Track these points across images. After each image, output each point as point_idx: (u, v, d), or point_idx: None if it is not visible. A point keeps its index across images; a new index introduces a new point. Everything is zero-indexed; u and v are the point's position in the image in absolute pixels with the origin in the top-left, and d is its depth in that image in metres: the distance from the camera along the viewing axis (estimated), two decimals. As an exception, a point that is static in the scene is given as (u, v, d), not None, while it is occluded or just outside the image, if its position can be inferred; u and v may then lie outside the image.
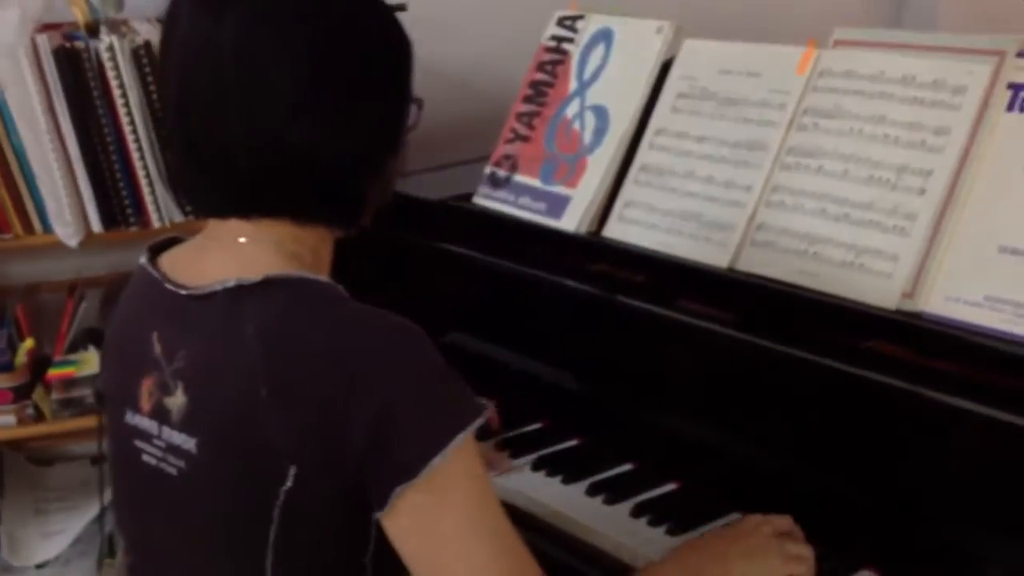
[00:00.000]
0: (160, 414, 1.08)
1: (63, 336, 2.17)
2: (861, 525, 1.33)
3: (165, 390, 1.07)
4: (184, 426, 1.05)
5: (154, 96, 2.04)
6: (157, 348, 1.09)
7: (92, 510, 2.26)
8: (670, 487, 1.47)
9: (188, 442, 1.05)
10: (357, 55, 1.08)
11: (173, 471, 1.07)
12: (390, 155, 1.14)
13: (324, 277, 1.08)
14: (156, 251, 1.17)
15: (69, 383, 2.10)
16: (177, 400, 1.06)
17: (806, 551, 1.23)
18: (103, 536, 2.24)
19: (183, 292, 1.08)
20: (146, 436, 1.09)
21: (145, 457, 1.10)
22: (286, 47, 1.04)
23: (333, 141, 1.06)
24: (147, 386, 1.09)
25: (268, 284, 1.04)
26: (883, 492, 1.30)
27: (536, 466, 1.56)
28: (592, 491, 1.49)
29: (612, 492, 1.48)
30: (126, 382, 1.12)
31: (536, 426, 1.67)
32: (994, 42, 1.34)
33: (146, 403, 1.09)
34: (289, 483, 1.00)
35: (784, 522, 1.25)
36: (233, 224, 1.09)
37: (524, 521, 1.42)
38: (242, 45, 1.03)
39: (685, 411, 1.52)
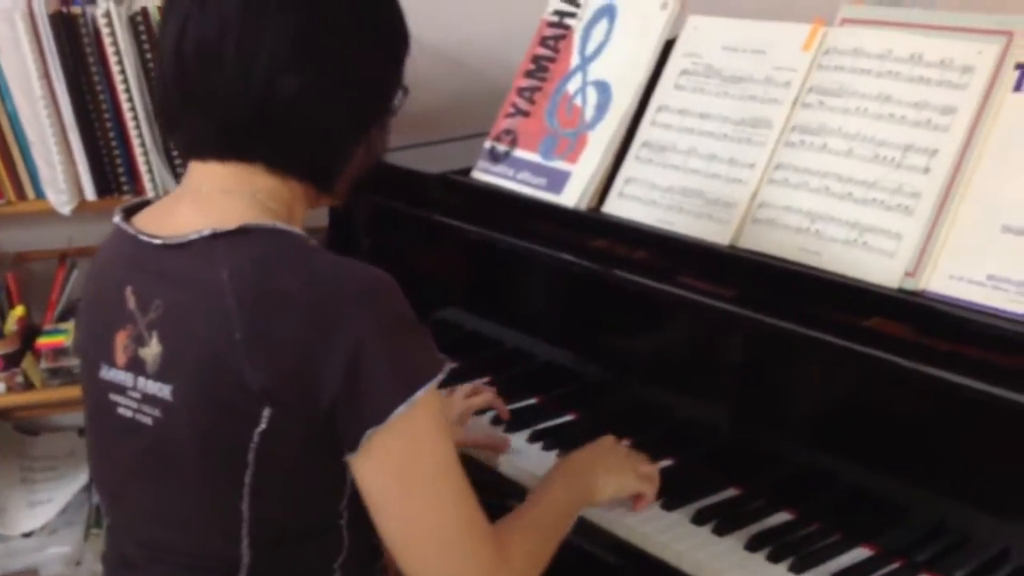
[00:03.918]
0: (135, 365, 1.10)
1: (53, 305, 2.16)
2: (857, 502, 1.33)
3: (140, 341, 1.09)
4: (159, 374, 1.07)
5: (150, 64, 2.02)
6: (131, 301, 1.11)
7: (79, 480, 2.25)
8: (666, 463, 1.47)
9: (163, 390, 1.07)
10: (355, 23, 1.11)
11: (148, 421, 1.09)
12: (373, 122, 1.17)
13: (298, 229, 1.11)
14: (129, 212, 1.19)
15: (59, 352, 2.09)
16: (152, 350, 1.08)
17: (654, 471, 1.39)
18: (90, 506, 2.24)
19: (157, 242, 1.10)
20: (121, 389, 1.11)
21: (120, 410, 1.12)
22: (284, 5, 1.07)
23: (318, 96, 1.08)
24: (121, 339, 1.11)
25: (243, 232, 1.06)
26: (881, 469, 1.30)
27: (532, 439, 1.55)
28: (589, 466, 1.48)
29: (609, 467, 1.48)
30: (100, 338, 1.14)
31: (531, 401, 1.67)
32: (1002, 22, 1.33)
33: (121, 356, 1.11)
34: (263, 425, 1.03)
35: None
36: (210, 172, 1.11)
37: (517, 493, 1.42)
38: (244, 2, 1.06)
39: (683, 387, 1.52)
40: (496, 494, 1.37)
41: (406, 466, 1.06)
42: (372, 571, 1.23)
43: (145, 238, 1.11)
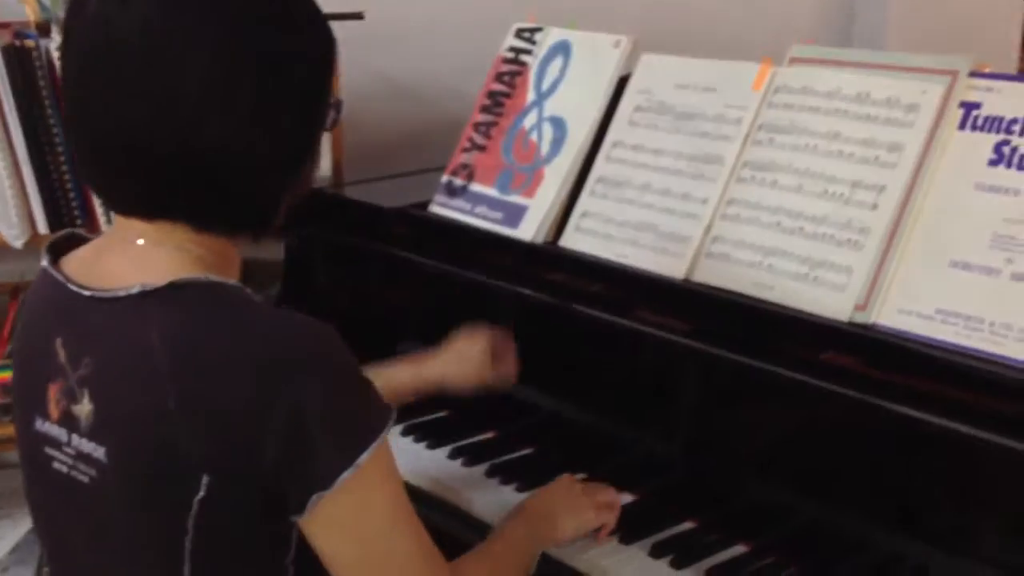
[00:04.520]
0: (68, 422, 1.05)
1: (4, 340, 2.13)
2: (812, 535, 1.34)
3: (72, 397, 1.04)
4: (92, 434, 1.03)
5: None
6: (61, 355, 1.05)
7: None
8: (625, 498, 1.48)
9: (97, 450, 1.02)
10: (275, 52, 1.01)
11: (85, 479, 1.04)
12: (305, 158, 1.10)
13: (231, 280, 1.04)
14: (57, 251, 1.13)
15: (9, 388, 2.05)
16: (84, 408, 1.03)
17: (612, 498, 1.40)
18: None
19: (86, 293, 1.04)
20: (56, 443, 1.06)
21: (56, 465, 1.07)
22: (197, 38, 0.97)
23: (245, 143, 1.01)
24: (54, 393, 1.06)
25: (173, 288, 1.00)
26: (835, 502, 1.32)
27: (489, 473, 1.55)
28: (546, 499, 1.49)
29: (566, 501, 1.48)
30: (33, 388, 1.09)
31: (488, 436, 1.67)
32: (947, 61, 1.37)
33: (54, 410, 1.06)
34: (202, 492, 0.98)
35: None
36: (136, 225, 1.05)
37: (480, 527, 1.42)
38: (150, 34, 0.96)
39: (639, 420, 1.53)
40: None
41: (358, 524, 1.03)
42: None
43: (74, 288, 1.05)
